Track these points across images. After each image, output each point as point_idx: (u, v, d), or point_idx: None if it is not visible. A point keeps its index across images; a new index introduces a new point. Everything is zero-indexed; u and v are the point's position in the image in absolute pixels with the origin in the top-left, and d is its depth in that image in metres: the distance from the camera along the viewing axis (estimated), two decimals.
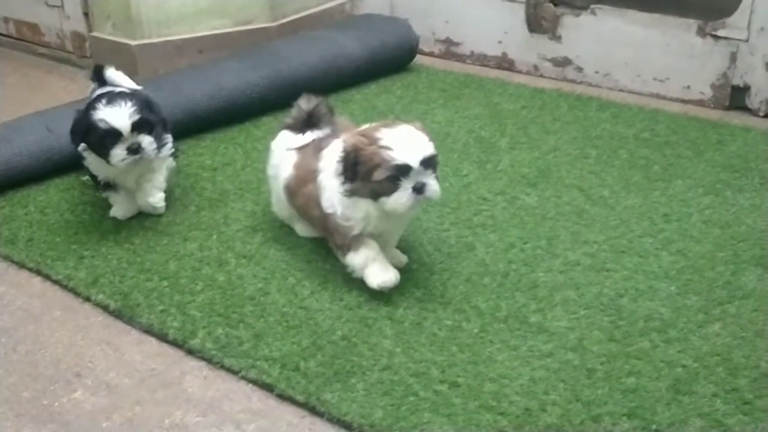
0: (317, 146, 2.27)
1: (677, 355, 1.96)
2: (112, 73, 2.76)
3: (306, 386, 1.91)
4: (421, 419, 1.80)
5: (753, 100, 3.32)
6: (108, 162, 2.44)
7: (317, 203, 2.20)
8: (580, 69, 3.72)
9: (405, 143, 2.04)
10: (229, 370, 1.99)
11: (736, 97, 3.36)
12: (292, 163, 2.33)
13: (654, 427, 1.75)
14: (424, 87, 3.67)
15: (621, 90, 3.61)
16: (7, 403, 1.91)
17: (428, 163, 2.05)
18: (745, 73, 3.31)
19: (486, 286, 2.24)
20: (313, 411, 1.86)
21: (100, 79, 2.75)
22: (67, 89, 3.80)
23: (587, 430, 1.75)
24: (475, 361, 1.97)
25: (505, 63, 3.92)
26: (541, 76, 3.81)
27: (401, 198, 2.05)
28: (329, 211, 2.16)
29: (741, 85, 3.33)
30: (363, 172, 2.05)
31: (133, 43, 3.74)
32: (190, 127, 3.16)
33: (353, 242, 2.17)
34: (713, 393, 1.84)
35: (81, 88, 3.74)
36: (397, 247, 2.36)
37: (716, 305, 2.13)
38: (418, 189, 2.05)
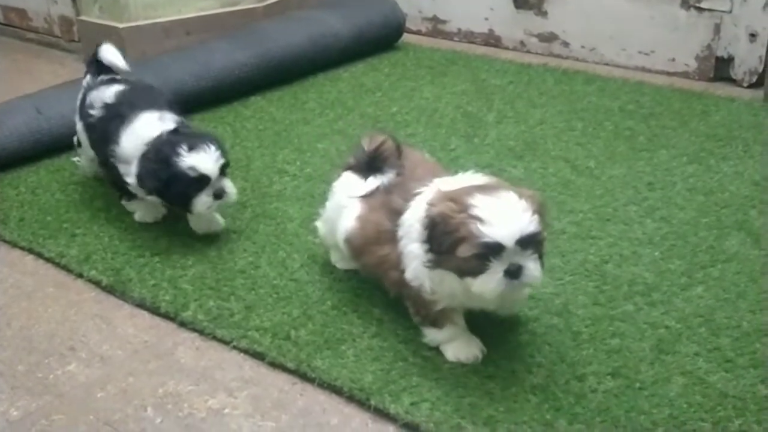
0: (386, 200, 1.94)
1: (660, 316, 1.99)
2: (107, 52, 2.62)
3: (297, 354, 1.94)
4: (410, 383, 1.83)
5: (737, 71, 3.35)
6: (188, 210, 2.32)
7: (396, 267, 1.87)
8: (566, 44, 3.74)
9: (501, 216, 1.66)
10: (221, 341, 2.02)
11: (720, 68, 3.39)
12: (354, 214, 1.99)
13: (637, 385, 1.79)
14: (411, 65, 3.69)
15: (607, 64, 3.63)
16: (2, 377, 1.94)
17: (527, 242, 1.68)
18: (729, 44, 3.34)
19: None
20: (304, 377, 1.89)
21: (98, 64, 2.63)
22: (55, 73, 3.81)
23: (572, 389, 1.78)
24: None
25: (491, 39, 3.95)
26: (528, 51, 3.84)
27: (489, 282, 1.69)
28: (414, 283, 1.83)
29: (725, 57, 3.36)
30: (448, 245, 1.70)
31: (120, 26, 3.74)
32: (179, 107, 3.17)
33: (438, 317, 1.88)
34: (695, 352, 1.88)
35: (70, 72, 3.76)
36: None
37: (699, 269, 2.17)
38: (512, 273, 1.68)
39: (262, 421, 1.79)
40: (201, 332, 2.05)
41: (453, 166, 2.72)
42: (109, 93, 2.49)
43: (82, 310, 2.18)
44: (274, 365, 1.94)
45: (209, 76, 3.26)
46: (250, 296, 2.15)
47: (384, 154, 2.00)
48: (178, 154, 2.24)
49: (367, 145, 2.04)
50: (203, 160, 2.25)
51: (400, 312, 2.05)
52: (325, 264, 2.26)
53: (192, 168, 2.24)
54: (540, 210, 1.72)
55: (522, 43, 3.86)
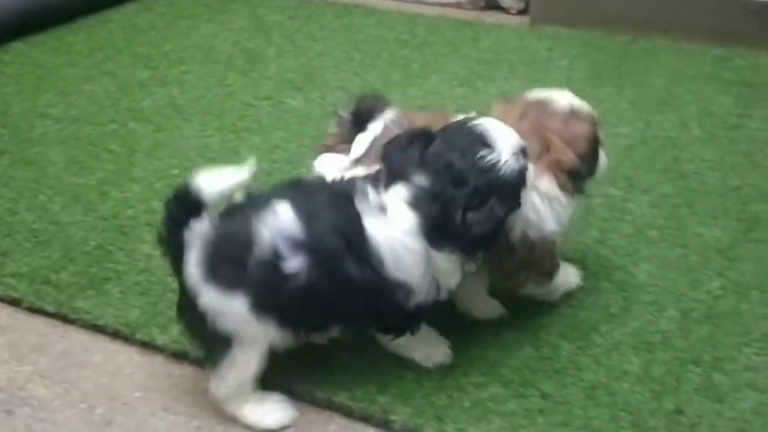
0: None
1: None
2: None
3: (57, 297, 1.84)
4: None
5: (505, 0, 3.48)
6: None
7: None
8: None
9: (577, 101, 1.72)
10: None
11: None
12: None
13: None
14: (187, 3, 3.56)
15: None
16: None
17: None
18: None
19: None
20: (65, 319, 1.81)
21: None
22: None
23: None
24: None
25: None
26: None
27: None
28: (551, 237, 1.61)
29: None
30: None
31: None
32: None
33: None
34: None
35: None
36: None
37: None
38: None
39: (18, 366, 1.70)
40: None
41: (229, 101, 2.71)
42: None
43: None
44: (32, 310, 1.84)
45: None
46: (6, 242, 2.02)
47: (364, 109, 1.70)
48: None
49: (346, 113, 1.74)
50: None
51: None
52: (88, 203, 2.16)
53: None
54: None
55: None
